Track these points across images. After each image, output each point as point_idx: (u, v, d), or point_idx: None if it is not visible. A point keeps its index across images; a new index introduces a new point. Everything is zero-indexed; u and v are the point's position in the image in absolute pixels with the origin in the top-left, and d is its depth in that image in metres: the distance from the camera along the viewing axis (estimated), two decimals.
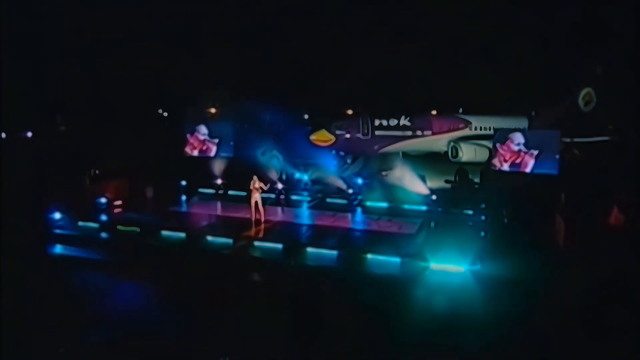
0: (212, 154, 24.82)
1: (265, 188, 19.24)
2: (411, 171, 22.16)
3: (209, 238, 17.51)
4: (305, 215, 20.81)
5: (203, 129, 24.64)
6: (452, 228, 18.45)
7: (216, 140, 24.50)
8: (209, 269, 15.23)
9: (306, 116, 35.32)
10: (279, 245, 16.79)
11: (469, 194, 21.88)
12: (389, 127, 30.68)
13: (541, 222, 18.02)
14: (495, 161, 22.41)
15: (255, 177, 19.13)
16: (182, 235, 17.64)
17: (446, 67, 35.52)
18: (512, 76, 34.78)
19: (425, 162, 30.55)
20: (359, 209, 21.54)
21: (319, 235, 17.98)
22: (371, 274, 14.73)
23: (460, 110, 33.51)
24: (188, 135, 24.80)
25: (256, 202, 19.22)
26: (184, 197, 23.43)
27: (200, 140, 24.75)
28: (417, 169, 23.36)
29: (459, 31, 35.24)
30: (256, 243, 17.18)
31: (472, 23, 34.07)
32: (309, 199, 23.06)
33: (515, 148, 22.07)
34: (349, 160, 30.12)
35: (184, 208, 21.84)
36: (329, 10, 33.38)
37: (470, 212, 19.44)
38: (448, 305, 12.80)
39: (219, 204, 22.49)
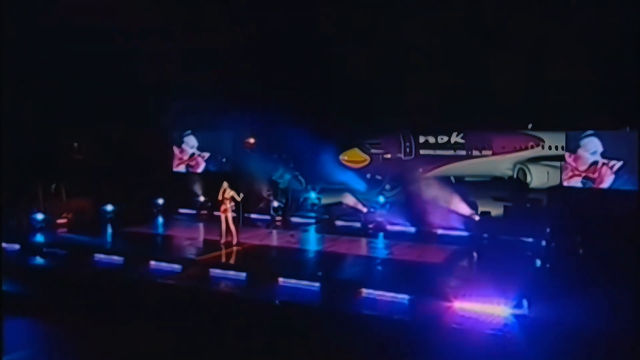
0: (200, 169, 21.47)
1: (237, 199, 15.18)
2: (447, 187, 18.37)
3: (153, 263, 13.74)
4: (300, 239, 17.05)
5: (192, 140, 21.12)
6: (501, 257, 14.23)
7: (206, 154, 20.85)
8: (137, 302, 11.81)
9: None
10: (242, 274, 12.87)
11: (530, 216, 16.85)
12: (437, 146, 26.28)
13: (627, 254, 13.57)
14: (565, 175, 17.47)
15: (225, 184, 15.15)
16: (119, 259, 14.13)
17: (512, 70, 30.02)
18: (599, 83, 28.75)
19: (482, 187, 25.32)
20: (377, 233, 17.52)
21: (302, 263, 14.40)
22: (365, 317, 10.58)
23: (530, 126, 28.14)
24: (174, 148, 21.41)
25: (226, 218, 15.03)
26: (159, 217, 20.23)
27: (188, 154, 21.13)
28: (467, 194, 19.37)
29: (528, 26, 29.72)
30: (212, 270, 13.20)
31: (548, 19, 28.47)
32: (313, 221, 19.35)
33: (590, 158, 17.76)
34: (387, 187, 25.42)
35: (144, 229, 18.28)
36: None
37: (530, 239, 15.61)
38: None
39: (193, 225, 19.27)
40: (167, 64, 26.46)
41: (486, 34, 29.03)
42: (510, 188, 21.56)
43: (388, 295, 11.19)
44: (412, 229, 17.72)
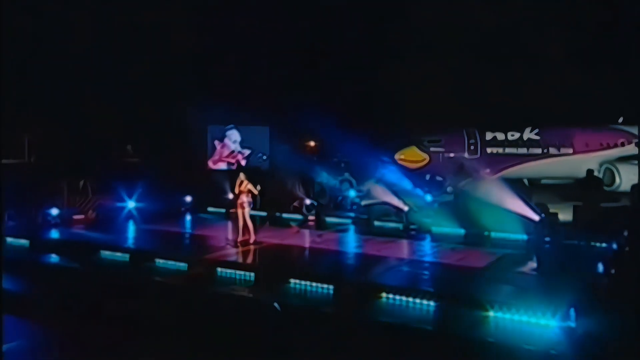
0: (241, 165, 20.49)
1: (255, 192, 13.96)
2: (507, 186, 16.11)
3: (159, 261, 12.88)
4: (328, 240, 15.63)
5: (235, 135, 20.29)
6: (560, 263, 12.57)
7: (247, 151, 19.96)
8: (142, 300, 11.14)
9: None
10: (251, 275, 11.69)
11: (605, 218, 14.81)
12: (507, 143, 23.98)
13: None
14: None
15: (242, 176, 13.97)
16: (126, 256, 13.40)
17: (596, 55, 26.48)
18: None
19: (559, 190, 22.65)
20: (418, 235, 16.01)
21: (319, 263, 13.24)
22: (383, 324, 9.23)
23: (621, 120, 24.87)
24: (216, 142, 20.70)
25: (243, 214, 13.86)
26: (187, 216, 19.61)
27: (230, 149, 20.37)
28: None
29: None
30: (220, 269, 12.08)
31: None
32: (350, 221, 18.11)
33: None
34: (449, 189, 23.35)
35: (164, 226, 17.55)
36: None
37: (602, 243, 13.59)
38: None
39: (219, 223, 18.44)
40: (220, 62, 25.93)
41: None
42: (585, 187, 18.88)
43: (410, 301, 9.75)
44: (461, 231, 15.91)
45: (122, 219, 18.28)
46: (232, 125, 21.70)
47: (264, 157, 20.69)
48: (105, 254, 13.68)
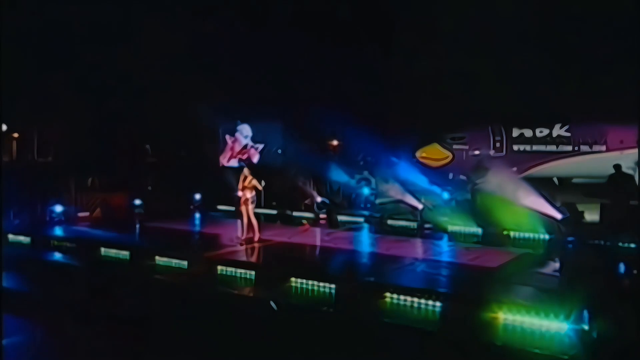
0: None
1: (259, 187, 13.53)
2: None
3: (158, 258, 12.55)
4: (337, 238, 15.17)
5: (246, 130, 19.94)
6: (581, 263, 11.95)
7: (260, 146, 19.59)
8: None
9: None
10: (251, 273, 11.27)
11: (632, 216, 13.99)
12: (535, 140, 22.96)
13: None
14: None
15: (245, 171, 13.60)
16: (126, 253, 13.14)
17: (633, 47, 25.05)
18: None
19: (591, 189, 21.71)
20: (433, 234, 15.52)
21: (322, 262, 13.06)
22: (384, 325, 8.78)
23: None
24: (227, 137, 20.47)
25: (247, 211, 13.46)
26: (196, 213, 19.47)
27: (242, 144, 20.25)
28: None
29: None
30: (220, 268, 11.66)
31: None
32: (362, 219, 17.64)
33: None
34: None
35: (170, 224, 17.35)
36: None
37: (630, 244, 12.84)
38: None
39: (227, 221, 17.78)
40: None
41: None
42: (613, 184, 17.90)
43: (414, 302, 9.19)
44: (478, 230, 15.27)
45: (128, 217, 18.12)
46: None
47: (279, 151, 20.19)
48: (103, 251, 13.40)
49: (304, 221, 16.98)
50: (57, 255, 13.76)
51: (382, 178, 20.67)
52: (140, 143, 24.51)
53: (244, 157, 20.63)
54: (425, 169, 22.04)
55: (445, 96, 24.77)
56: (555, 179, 23.53)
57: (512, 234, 14.59)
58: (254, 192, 13.71)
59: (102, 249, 13.47)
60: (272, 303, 9.66)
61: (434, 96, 25.06)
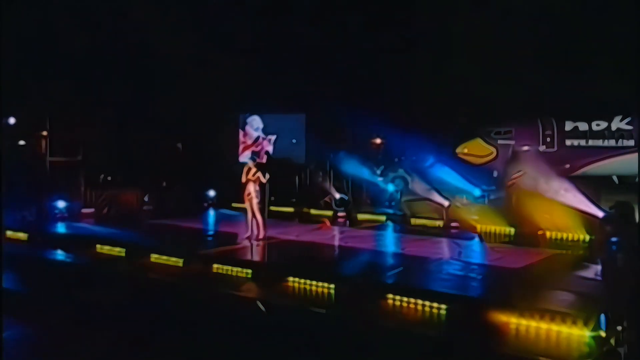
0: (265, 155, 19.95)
1: (263, 180, 12.72)
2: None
3: (154, 256, 11.97)
4: (352, 237, 14.37)
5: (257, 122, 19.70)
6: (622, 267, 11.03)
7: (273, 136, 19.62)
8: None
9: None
10: (248, 271, 10.60)
11: None
12: (591, 134, 21.15)
13: None
14: None
15: (250, 163, 12.85)
16: (122, 250, 12.61)
17: None
18: None
19: None
20: (459, 233, 14.57)
21: (325, 261, 12.04)
22: (384, 328, 8.11)
23: None
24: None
25: (251, 206, 12.75)
26: (209, 211, 19.08)
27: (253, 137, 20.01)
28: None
29: None
30: (217, 266, 11.03)
31: None
32: (385, 217, 16.85)
33: None
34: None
35: (178, 221, 16.90)
36: None
37: None
38: None
39: (237, 219, 17.11)
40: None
41: None
42: None
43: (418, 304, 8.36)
44: (510, 229, 14.31)
45: (135, 215, 17.95)
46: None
47: (294, 141, 19.69)
48: (99, 248, 12.84)
49: (324, 219, 16.21)
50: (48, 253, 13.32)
51: (418, 176, 19.77)
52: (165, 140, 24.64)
53: (258, 149, 20.08)
54: (466, 166, 21.03)
55: (490, 86, 23.31)
56: (614, 177, 21.94)
57: (548, 234, 13.55)
58: (258, 186, 12.91)
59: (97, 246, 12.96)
60: (259, 304, 9.03)
61: (479, 86, 23.66)
